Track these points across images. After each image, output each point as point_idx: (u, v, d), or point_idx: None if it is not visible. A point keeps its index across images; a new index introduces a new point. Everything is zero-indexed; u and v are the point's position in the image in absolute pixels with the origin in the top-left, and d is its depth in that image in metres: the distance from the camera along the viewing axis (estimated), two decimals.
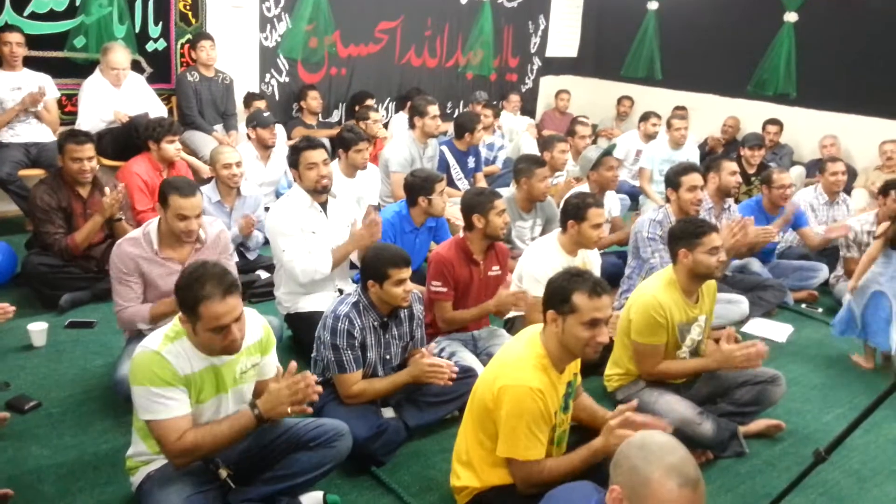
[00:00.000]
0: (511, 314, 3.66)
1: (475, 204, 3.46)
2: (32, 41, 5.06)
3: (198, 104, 5.72)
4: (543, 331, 2.41)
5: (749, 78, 7.76)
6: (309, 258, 3.54)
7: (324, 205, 3.68)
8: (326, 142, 5.65)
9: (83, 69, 5.38)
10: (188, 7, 5.92)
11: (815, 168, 6.39)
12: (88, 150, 4.00)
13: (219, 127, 5.86)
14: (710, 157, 6.32)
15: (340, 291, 3.67)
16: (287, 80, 6.71)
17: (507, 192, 4.43)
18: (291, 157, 3.71)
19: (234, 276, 2.26)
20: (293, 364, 2.31)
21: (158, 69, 5.85)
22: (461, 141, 5.68)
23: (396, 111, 7.47)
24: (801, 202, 5.12)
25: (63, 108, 5.33)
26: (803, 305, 4.83)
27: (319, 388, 2.31)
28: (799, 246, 5.18)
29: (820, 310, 4.77)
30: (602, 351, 2.39)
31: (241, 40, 6.32)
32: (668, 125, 6.47)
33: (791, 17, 7.42)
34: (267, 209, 4.44)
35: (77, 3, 5.33)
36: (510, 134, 7.34)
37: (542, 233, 4.51)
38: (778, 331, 4.35)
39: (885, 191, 4.54)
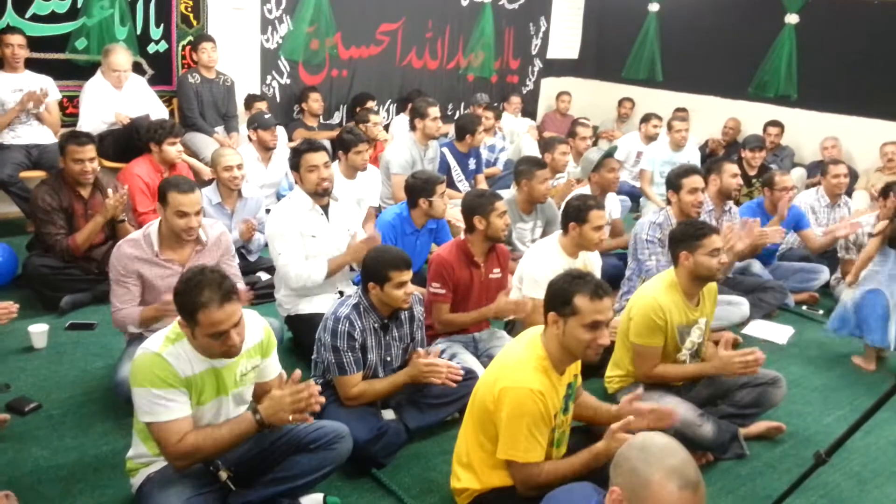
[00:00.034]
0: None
1: (476, 206, 3.45)
2: (34, 43, 5.07)
3: (199, 106, 5.72)
4: (544, 333, 2.41)
5: (750, 80, 7.75)
6: (304, 264, 3.53)
7: (325, 208, 3.67)
8: (327, 144, 5.66)
9: (84, 71, 5.39)
10: (189, 9, 5.92)
11: (816, 170, 6.40)
12: (90, 151, 4.00)
13: (220, 129, 5.86)
14: (711, 159, 6.33)
15: (341, 293, 3.66)
16: (288, 81, 6.71)
17: (508, 193, 4.42)
18: (293, 159, 3.71)
19: (232, 281, 2.25)
20: (297, 372, 2.30)
21: (160, 71, 5.85)
22: (462, 143, 5.68)
23: (397, 113, 7.47)
24: (803, 204, 5.12)
25: (64, 110, 5.33)
26: (804, 307, 4.83)
27: (322, 399, 2.30)
28: (800, 248, 5.17)
29: (821, 312, 4.76)
30: (603, 353, 2.39)
31: (243, 42, 6.33)
32: (669, 127, 6.46)
33: (792, 18, 7.42)
34: (268, 211, 4.44)
35: (79, 5, 5.33)
36: (511, 136, 7.32)
37: (543, 235, 4.50)
38: (778, 333, 4.34)
39: (885, 193, 4.54)
